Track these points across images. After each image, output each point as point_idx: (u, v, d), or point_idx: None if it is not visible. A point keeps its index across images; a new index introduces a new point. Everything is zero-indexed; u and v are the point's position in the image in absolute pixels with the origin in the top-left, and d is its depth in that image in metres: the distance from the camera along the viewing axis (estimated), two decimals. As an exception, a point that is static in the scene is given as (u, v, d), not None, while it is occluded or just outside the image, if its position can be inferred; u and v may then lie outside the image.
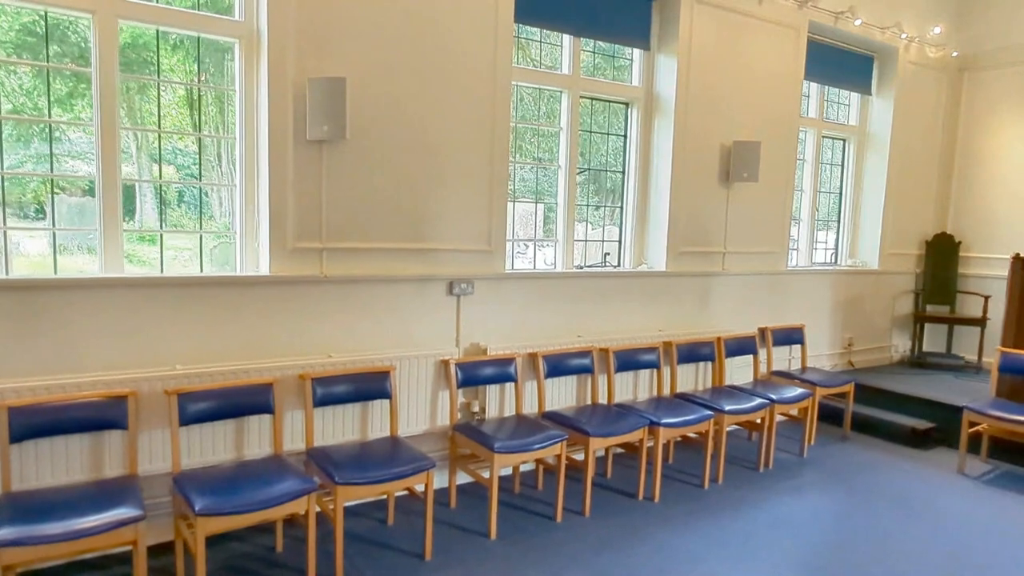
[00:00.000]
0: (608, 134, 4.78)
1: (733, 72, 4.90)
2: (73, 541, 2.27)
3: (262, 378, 3.10)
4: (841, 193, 6.40)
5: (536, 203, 4.53)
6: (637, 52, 4.73)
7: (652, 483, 3.83)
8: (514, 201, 4.31)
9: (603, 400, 4.21)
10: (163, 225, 3.46)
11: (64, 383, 2.75)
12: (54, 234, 3.20)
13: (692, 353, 4.59)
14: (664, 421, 3.80)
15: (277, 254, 3.31)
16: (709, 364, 4.79)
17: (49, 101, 3.28)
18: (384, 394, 3.39)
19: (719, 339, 4.71)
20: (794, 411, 4.58)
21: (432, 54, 3.64)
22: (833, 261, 6.40)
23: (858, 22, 5.58)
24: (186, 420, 2.87)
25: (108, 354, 2.95)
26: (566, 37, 4.40)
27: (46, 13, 3.04)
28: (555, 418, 3.81)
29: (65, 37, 4.34)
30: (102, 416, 2.74)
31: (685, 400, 4.27)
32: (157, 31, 3.22)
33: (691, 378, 4.74)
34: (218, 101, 3.55)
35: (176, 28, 3.20)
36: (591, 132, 4.69)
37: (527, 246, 4.58)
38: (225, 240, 3.53)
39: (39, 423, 2.63)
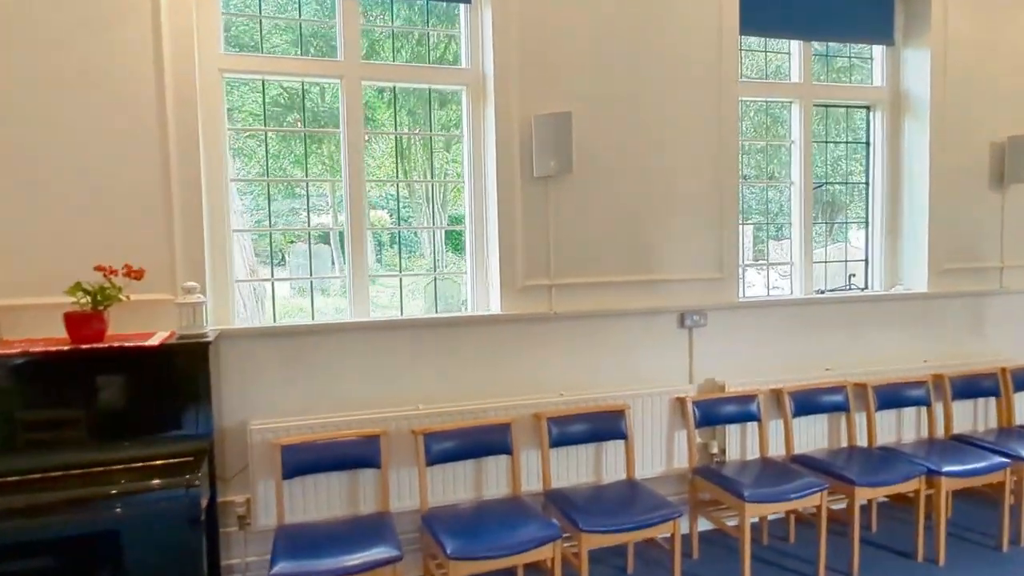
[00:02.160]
0: (837, 142, 4.30)
1: (1003, 58, 4.19)
2: (341, 578, 2.36)
3: (500, 418, 3.09)
4: None
5: (744, 223, 4.18)
6: (877, 49, 4.22)
7: (933, 542, 3.26)
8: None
9: (861, 442, 3.70)
10: (381, 264, 3.62)
11: (324, 422, 2.93)
12: (273, 279, 3.46)
13: (969, 387, 3.91)
14: (946, 469, 3.23)
15: (508, 292, 3.32)
16: (991, 400, 4.06)
17: (263, 159, 3.58)
18: (619, 434, 3.24)
19: (1003, 370, 3.97)
20: (1116, 459, 3.71)
21: (653, 77, 3.50)
22: None
23: None
24: (431, 460, 2.92)
25: (358, 393, 3.11)
26: (794, 43, 4.04)
27: (280, 85, 3.32)
28: (807, 462, 3.41)
29: (303, 105, 4.85)
30: (359, 454, 2.88)
31: (966, 443, 3.63)
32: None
33: (968, 417, 4.03)
34: (425, 148, 3.71)
35: (411, 83, 3.36)
36: (823, 142, 4.24)
37: (743, 270, 4.23)
38: (450, 278, 3.67)
39: (306, 461, 2.81)
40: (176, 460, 2.41)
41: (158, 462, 2.38)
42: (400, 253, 3.84)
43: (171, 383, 2.49)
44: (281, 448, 2.77)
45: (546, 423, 3.12)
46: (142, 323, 2.78)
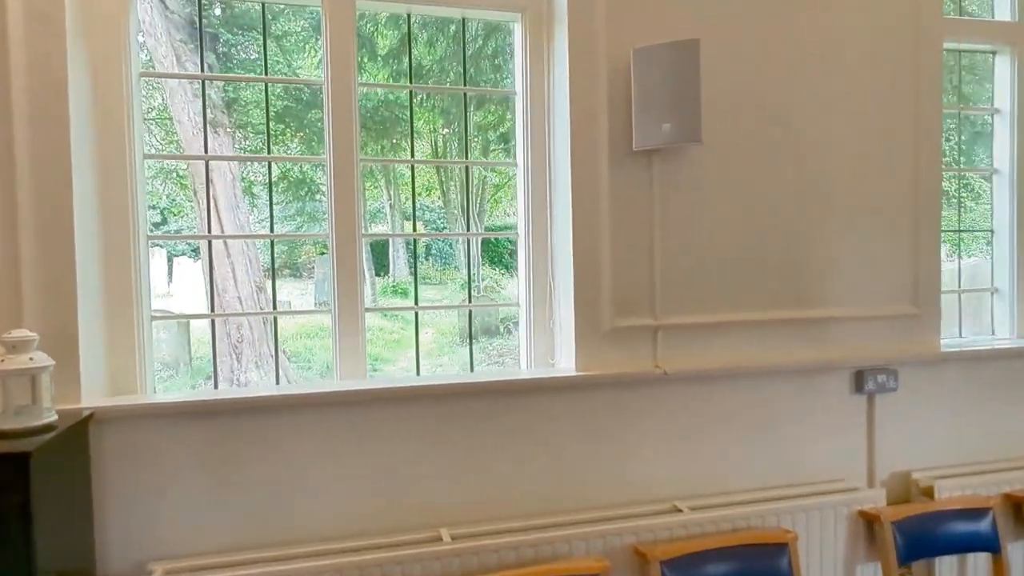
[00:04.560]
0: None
1: None
2: None
3: (580, 562, 1.79)
4: None
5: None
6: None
7: None
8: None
9: None
10: (417, 278, 2.39)
11: (277, 573, 1.67)
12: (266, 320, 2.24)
13: None
14: None
15: (587, 340, 2.04)
16: None
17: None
18: (778, 583, 1.92)
19: None
20: None
21: (814, 4, 2.22)
22: None
23: None
24: (462, 644, 1.65)
25: (338, 513, 1.86)
26: (1001, -36, 2.72)
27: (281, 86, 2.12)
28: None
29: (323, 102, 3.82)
30: (331, 636, 1.61)
31: None
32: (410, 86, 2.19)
33: None
34: (461, 155, 2.56)
35: (434, 7, 2.13)
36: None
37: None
38: (482, 296, 2.43)
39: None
40: None
41: None
42: (416, 286, 2.57)
43: (-49, 533, 1.27)
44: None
45: (658, 568, 1.82)
46: (-50, 401, 1.57)
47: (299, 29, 7.10)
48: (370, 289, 9.78)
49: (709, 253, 2.13)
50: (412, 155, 2.47)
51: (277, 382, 2.09)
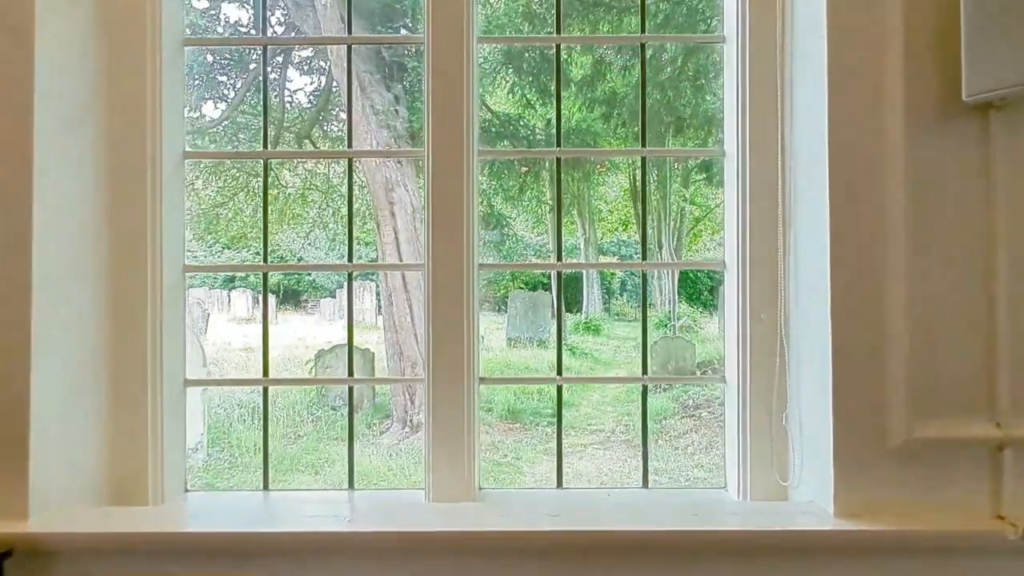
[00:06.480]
0: None
1: None
2: None
3: None
4: None
5: None
6: None
7: None
8: None
9: None
10: (610, 313, 1.58)
11: None
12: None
13: None
14: None
15: (857, 458, 1.10)
16: None
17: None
18: None
19: None
20: None
21: None
22: None
23: None
24: None
25: None
26: None
27: None
28: None
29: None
30: None
31: None
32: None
33: None
34: (661, 186, 1.81)
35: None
36: None
37: None
38: (678, 337, 1.58)
39: None
40: None
41: None
42: (560, 357, 1.71)
43: None
44: None
45: None
46: None
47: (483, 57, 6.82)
48: (555, 327, 9.20)
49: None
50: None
51: (351, 483, 1.37)
